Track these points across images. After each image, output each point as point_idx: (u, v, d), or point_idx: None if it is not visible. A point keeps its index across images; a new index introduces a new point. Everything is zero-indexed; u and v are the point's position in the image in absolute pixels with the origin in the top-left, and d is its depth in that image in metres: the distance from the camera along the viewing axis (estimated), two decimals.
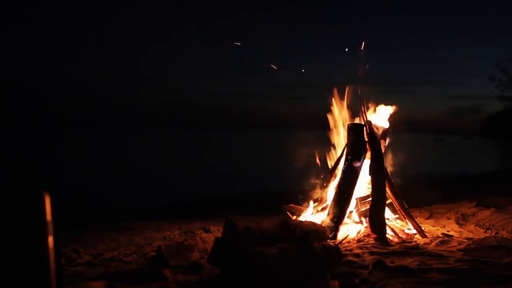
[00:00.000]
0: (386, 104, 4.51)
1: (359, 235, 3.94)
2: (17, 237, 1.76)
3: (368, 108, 4.45)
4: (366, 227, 4.00)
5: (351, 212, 4.15)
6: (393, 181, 4.29)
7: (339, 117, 4.63)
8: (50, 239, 1.80)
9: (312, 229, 3.36)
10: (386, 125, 4.41)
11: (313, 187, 4.62)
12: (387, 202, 4.15)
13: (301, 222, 3.64)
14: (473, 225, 4.79)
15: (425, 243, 3.69)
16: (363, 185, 4.36)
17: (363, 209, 4.18)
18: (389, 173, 4.32)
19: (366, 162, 4.15)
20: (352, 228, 4.03)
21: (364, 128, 4.18)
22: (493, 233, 4.36)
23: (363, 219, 4.15)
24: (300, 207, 4.54)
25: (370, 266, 2.86)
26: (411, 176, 4.76)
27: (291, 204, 4.61)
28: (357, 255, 3.19)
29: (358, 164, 4.11)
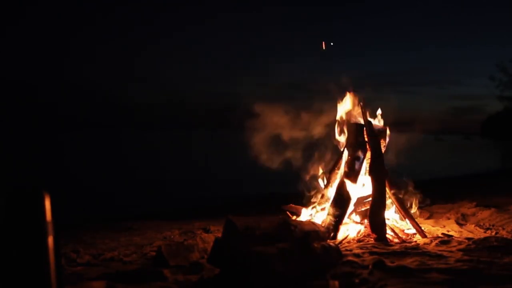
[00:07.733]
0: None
1: (359, 235, 3.94)
2: (17, 237, 1.76)
3: (367, 109, 4.44)
4: (366, 227, 3.99)
5: (351, 212, 4.15)
6: (393, 181, 4.28)
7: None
8: (50, 239, 1.80)
9: (312, 229, 3.36)
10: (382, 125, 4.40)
11: (313, 187, 4.61)
12: (387, 202, 4.15)
13: (301, 222, 3.64)
14: (473, 225, 4.79)
15: (425, 243, 3.68)
16: (363, 185, 4.36)
17: (363, 209, 4.18)
18: (389, 173, 4.31)
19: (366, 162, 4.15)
20: (352, 228, 4.03)
21: (364, 128, 4.18)
22: (493, 233, 4.36)
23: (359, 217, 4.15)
24: (300, 207, 4.54)
25: (370, 266, 2.85)
26: (411, 176, 4.76)
27: (291, 204, 4.61)
28: (357, 255, 3.19)
29: (358, 164, 4.11)
